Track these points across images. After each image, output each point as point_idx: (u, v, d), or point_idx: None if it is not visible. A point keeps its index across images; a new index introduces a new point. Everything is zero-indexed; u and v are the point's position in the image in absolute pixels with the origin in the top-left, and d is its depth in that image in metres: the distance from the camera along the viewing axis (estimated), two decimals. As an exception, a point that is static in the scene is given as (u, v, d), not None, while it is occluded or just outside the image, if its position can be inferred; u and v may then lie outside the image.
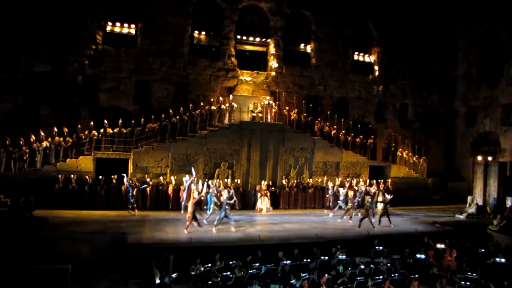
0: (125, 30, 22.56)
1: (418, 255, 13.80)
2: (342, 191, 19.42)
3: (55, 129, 19.34)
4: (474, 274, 12.25)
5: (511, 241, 15.88)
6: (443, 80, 28.60)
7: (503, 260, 13.46)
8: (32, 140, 18.77)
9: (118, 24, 22.39)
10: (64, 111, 21.01)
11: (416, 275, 12.10)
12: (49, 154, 18.83)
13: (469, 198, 21.39)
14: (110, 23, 22.27)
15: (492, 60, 26.47)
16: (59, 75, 21.07)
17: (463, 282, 11.79)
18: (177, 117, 20.86)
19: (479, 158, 23.11)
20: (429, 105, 28.48)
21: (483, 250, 14.74)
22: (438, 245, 14.32)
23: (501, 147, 25.09)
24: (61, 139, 19.19)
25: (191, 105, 21.69)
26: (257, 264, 12.34)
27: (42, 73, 20.82)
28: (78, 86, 21.41)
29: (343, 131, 24.05)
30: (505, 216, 17.93)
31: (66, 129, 19.39)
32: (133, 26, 22.62)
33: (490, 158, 23.10)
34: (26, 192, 15.84)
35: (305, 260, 12.88)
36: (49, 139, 19.09)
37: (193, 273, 11.89)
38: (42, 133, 19.11)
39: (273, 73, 24.78)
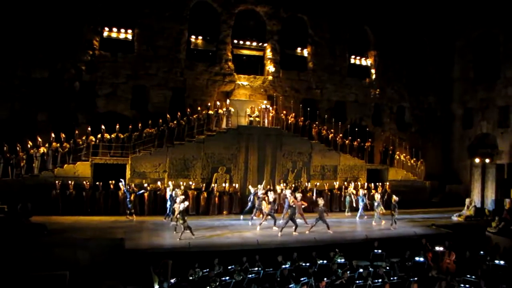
0: (122, 36, 22.58)
1: (417, 258, 13.80)
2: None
3: (53, 135, 19.33)
4: (473, 277, 12.26)
5: (510, 243, 15.90)
6: (439, 83, 28.71)
7: (501, 262, 13.47)
8: (29, 146, 18.72)
9: (114, 29, 22.40)
10: (61, 117, 21.01)
11: (415, 278, 12.10)
12: (47, 160, 18.78)
13: (467, 200, 21.40)
14: (107, 29, 22.30)
15: (488, 62, 26.60)
16: (56, 81, 21.07)
17: (462, 285, 11.79)
18: (175, 122, 20.84)
19: (477, 160, 23.11)
20: (426, 108, 28.57)
21: (482, 252, 14.74)
22: (437, 248, 14.32)
23: (499, 149, 25.18)
24: (58, 145, 19.15)
25: (188, 109, 21.72)
26: (256, 269, 12.32)
27: (39, 79, 20.81)
28: (75, 92, 21.40)
29: (341, 135, 24.08)
30: (503, 218, 17.98)
31: (63, 135, 19.37)
32: (129, 31, 22.63)
33: (487, 160, 23.12)
34: (24, 198, 15.83)
35: (304, 264, 12.86)
36: (47, 145, 19.04)
37: (191, 278, 11.85)
38: (39, 139, 19.05)
39: (270, 77, 24.82)
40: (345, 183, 22.29)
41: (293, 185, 21.23)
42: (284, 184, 20.99)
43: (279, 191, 19.92)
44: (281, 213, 18.74)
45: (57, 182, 18.24)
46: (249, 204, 18.85)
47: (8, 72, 20.36)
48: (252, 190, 18.91)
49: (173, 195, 17.15)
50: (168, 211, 17.59)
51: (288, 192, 18.68)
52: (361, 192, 20.27)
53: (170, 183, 18.87)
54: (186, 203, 15.57)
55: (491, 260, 13.76)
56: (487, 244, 16.02)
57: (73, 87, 21.38)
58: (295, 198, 17.63)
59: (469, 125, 27.51)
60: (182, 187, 19.08)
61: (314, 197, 18.27)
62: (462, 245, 15.10)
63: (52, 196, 18.01)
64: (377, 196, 18.89)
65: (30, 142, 18.82)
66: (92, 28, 21.77)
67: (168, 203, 17.47)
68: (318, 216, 16.71)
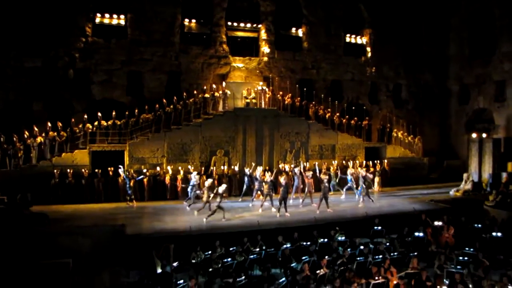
0: (114, 21, 22.32)
1: (416, 233, 13.95)
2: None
3: (49, 124, 19.20)
4: (472, 249, 12.42)
5: (507, 215, 16.07)
6: (435, 60, 28.56)
7: (499, 234, 13.64)
8: (26, 136, 18.65)
9: (107, 15, 22.14)
10: (57, 105, 20.91)
11: (415, 253, 12.26)
12: (44, 150, 18.73)
13: (464, 175, 21.52)
14: (99, 15, 22.03)
15: (484, 38, 26.39)
16: (50, 70, 20.90)
17: (461, 258, 11.96)
18: (171, 106, 20.77)
19: (474, 135, 23.19)
20: (422, 85, 28.50)
21: (479, 225, 14.91)
22: (436, 223, 14.47)
23: (495, 123, 25.21)
24: (55, 134, 19.09)
25: (184, 94, 21.63)
26: (257, 249, 12.44)
27: (33, 68, 20.65)
28: (70, 80, 21.25)
29: (338, 114, 24.05)
30: (501, 191, 18.10)
31: (60, 124, 19.27)
32: (122, 16, 22.37)
33: (484, 135, 23.19)
34: (23, 188, 15.80)
35: (304, 243, 12.99)
36: (43, 135, 18.98)
37: (193, 261, 11.97)
38: (36, 129, 18.96)
39: (266, 59, 24.68)
40: (343, 162, 22.30)
41: (302, 164, 20.89)
42: (293, 163, 21.09)
43: (287, 169, 20.04)
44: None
45: (55, 171, 18.23)
46: (245, 186, 19.23)
47: (0, 62, 20.17)
48: (246, 171, 19.17)
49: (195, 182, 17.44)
50: (189, 195, 17.61)
51: (296, 170, 19.02)
52: (348, 171, 20.02)
53: (174, 168, 18.87)
54: (224, 185, 16.24)
55: (488, 232, 13.95)
56: (485, 217, 16.17)
57: (68, 75, 21.23)
58: (306, 176, 18.01)
59: (465, 101, 27.47)
60: (182, 172, 19.18)
61: (317, 175, 18.31)
62: (460, 219, 15.25)
63: (51, 185, 18.01)
64: (362, 173, 18.75)
65: (26, 132, 18.72)
66: (84, 14, 21.51)
67: (189, 188, 17.55)
68: (322, 194, 16.83)
